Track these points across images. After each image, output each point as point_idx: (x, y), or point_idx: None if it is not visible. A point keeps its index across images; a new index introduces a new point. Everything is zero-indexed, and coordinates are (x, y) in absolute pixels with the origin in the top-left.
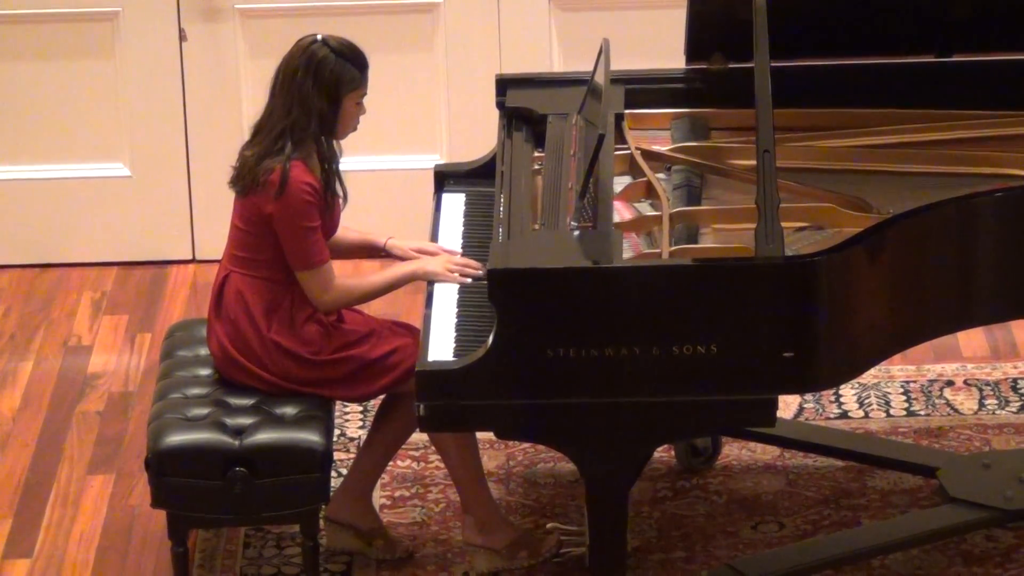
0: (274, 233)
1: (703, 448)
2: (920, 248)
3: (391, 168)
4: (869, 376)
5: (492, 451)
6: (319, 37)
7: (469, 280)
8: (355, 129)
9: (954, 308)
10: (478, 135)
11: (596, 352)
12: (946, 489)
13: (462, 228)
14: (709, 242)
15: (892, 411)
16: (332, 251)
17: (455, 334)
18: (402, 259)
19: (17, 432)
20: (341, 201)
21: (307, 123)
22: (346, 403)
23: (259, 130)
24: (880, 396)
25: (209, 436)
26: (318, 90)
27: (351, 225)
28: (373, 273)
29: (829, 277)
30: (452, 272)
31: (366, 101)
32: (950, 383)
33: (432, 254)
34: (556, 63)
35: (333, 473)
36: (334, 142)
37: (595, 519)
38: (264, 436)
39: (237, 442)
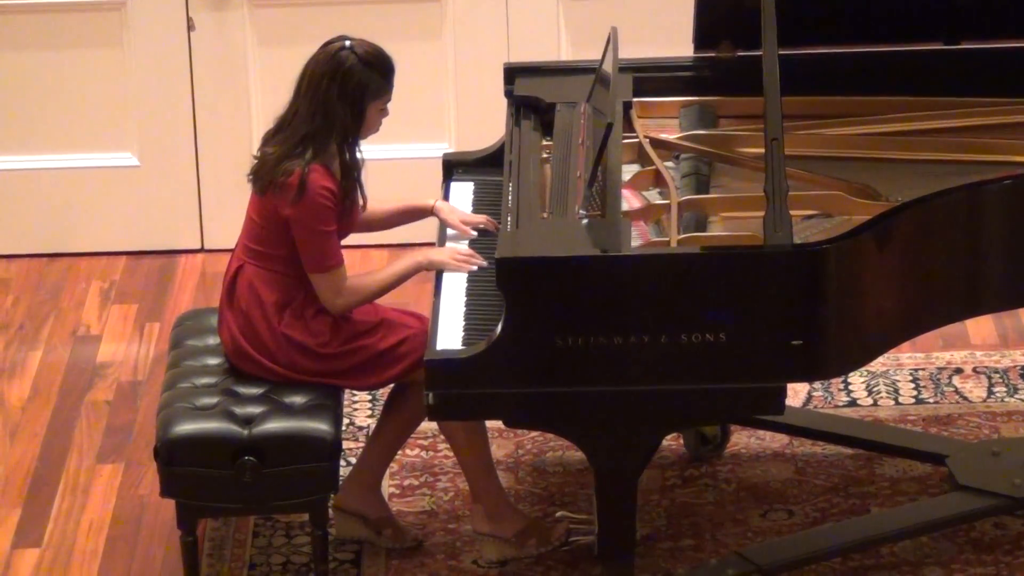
0: (291, 233)
1: (712, 436)
2: (929, 236)
3: (400, 157)
4: (878, 364)
5: (501, 440)
6: (347, 43)
7: (475, 268)
8: (377, 131)
9: (963, 296)
10: (486, 124)
11: (605, 340)
12: (955, 477)
13: None
14: (718, 230)
15: (901, 399)
16: (369, 224)
17: (464, 323)
18: (449, 224)
19: (26, 422)
20: (359, 208)
21: (329, 131)
22: (355, 392)
23: (281, 127)
24: (889, 384)
25: (218, 425)
26: (342, 100)
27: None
28: (380, 269)
29: (838, 265)
30: (458, 262)
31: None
32: (959, 371)
33: (470, 224)
34: (564, 52)
35: (342, 462)
36: (357, 150)
37: (604, 507)
38: (273, 425)
39: (246, 431)
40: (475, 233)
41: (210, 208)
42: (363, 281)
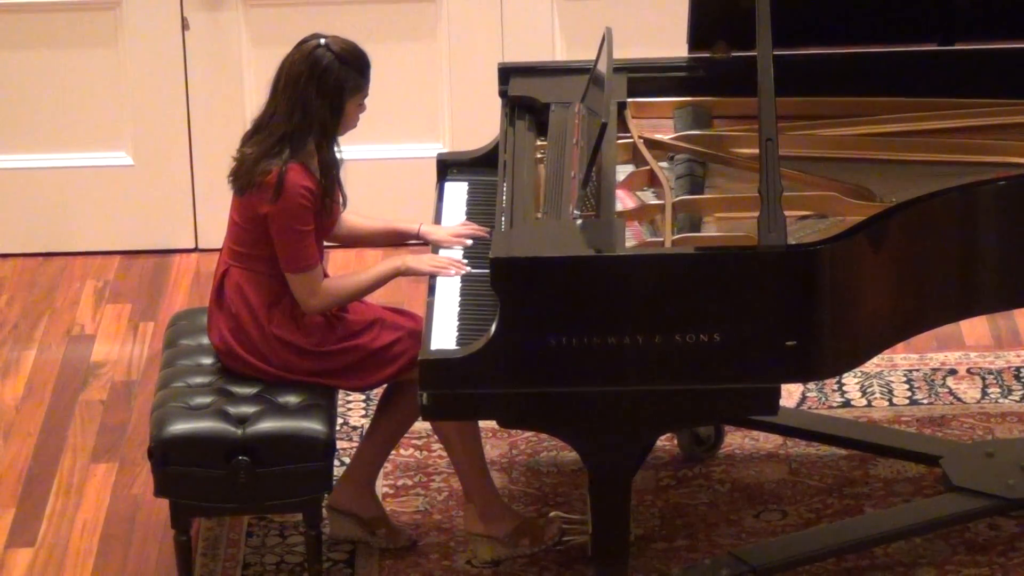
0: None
1: (706, 437)
2: (923, 237)
3: (394, 157)
4: (872, 365)
5: (495, 440)
6: (322, 41)
7: (452, 273)
8: (355, 127)
9: (957, 297)
10: (481, 124)
11: (599, 341)
12: (949, 478)
13: (464, 217)
14: (712, 231)
15: (895, 400)
16: (351, 240)
17: (458, 323)
18: (439, 244)
19: (20, 421)
20: (340, 206)
21: (308, 129)
22: (349, 392)
23: (259, 128)
24: (883, 385)
25: (212, 425)
26: (321, 98)
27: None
28: (357, 272)
29: (832, 266)
30: (435, 267)
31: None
32: (953, 372)
33: (461, 236)
34: (559, 52)
35: (336, 462)
36: (335, 147)
37: (598, 507)
38: (267, 425)
39: (240, 431)
40: (470, 242)
41: (204, 207)
42: (339, 283)
